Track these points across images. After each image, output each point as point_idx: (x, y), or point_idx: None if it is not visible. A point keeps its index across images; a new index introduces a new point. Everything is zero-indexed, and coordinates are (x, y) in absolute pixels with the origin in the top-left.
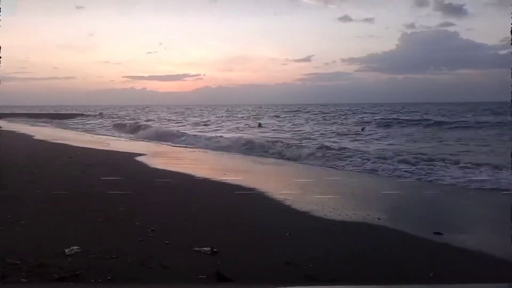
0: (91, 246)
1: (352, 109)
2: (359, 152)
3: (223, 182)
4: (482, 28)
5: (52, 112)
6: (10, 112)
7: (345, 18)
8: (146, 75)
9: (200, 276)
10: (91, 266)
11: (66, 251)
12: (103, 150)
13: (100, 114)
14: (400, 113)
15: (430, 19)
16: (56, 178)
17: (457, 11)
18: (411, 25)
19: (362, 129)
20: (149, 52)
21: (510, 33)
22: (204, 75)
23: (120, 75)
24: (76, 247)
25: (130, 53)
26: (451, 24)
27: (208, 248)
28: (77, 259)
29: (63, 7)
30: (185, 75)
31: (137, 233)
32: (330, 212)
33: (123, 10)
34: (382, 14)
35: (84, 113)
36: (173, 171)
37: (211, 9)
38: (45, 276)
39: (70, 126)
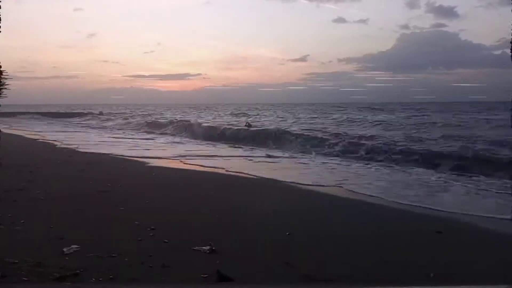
0: (90, 245)
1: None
2: None
3: (221, 179)
4: (473, 29)
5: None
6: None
7: (339, 20)
8: (146, 74)
9: (200, 275)
10: (90, 265)
11: (65, 250)
12: None
13: (100, 113)
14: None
15: (423, 21)
16: (56, 176)
17: (448, 13)
18: (405, 26)
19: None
20: (147, 52)
21: (501, 33)
22: (205, 74)
23: (120, 74)
24: (76, 246)
25: (130, 52)
26: (444, 25)
27: (207, 247)
28: (77, 258)
29: (62, 9)
30: (186, 74)
31: (137, 232)
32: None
33: (122, 11)
34: (375, 16)
35: (84, 111)
36: (171, 168)
37: (207, 10)
38: (44, 275)
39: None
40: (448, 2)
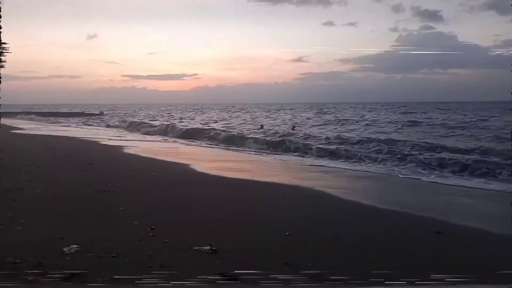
0: (90, 245)
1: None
2: None
3: (222, 179)
4: (460, 32)
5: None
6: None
7: (329, 23)
8: (145, 74)
9: (200, 275)
10: (90, 265)
11: (65, 250)
12: None
13: (101, 113)
14: None
15: (411, 24)
16: (56, 176)
17: (433, 16)
18: (395, 29)
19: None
20: (148, 53)
21: (492, 35)
22: (202, 74)
23: (119, 74)
24: (76, 246)
25: (130, 53)
26: (432, 28)
27: (208, 247)
28: (77, 258)
29: (62, 11)
30: (183, 75)
31: (137, 232)
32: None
33: (122, 12)
34: (362, 19)
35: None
36: (171, 167)
37: (205, 11)
38: (45, 275)
39: None
40: (434, 6)
